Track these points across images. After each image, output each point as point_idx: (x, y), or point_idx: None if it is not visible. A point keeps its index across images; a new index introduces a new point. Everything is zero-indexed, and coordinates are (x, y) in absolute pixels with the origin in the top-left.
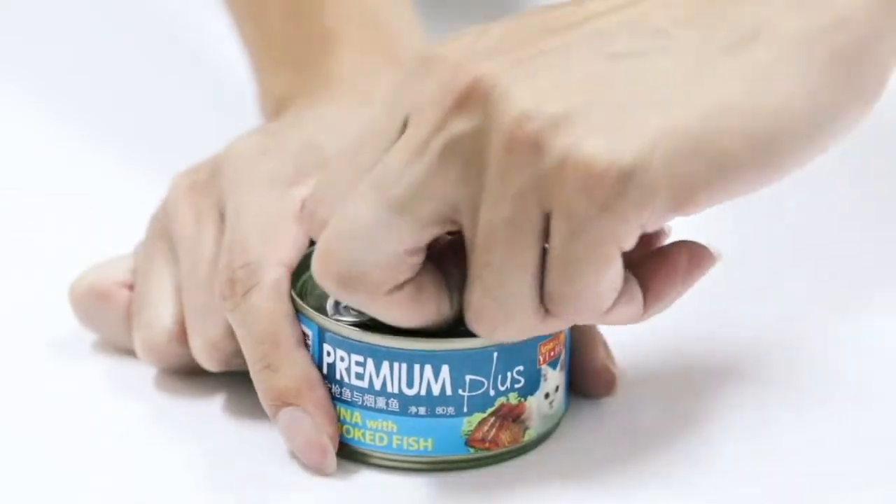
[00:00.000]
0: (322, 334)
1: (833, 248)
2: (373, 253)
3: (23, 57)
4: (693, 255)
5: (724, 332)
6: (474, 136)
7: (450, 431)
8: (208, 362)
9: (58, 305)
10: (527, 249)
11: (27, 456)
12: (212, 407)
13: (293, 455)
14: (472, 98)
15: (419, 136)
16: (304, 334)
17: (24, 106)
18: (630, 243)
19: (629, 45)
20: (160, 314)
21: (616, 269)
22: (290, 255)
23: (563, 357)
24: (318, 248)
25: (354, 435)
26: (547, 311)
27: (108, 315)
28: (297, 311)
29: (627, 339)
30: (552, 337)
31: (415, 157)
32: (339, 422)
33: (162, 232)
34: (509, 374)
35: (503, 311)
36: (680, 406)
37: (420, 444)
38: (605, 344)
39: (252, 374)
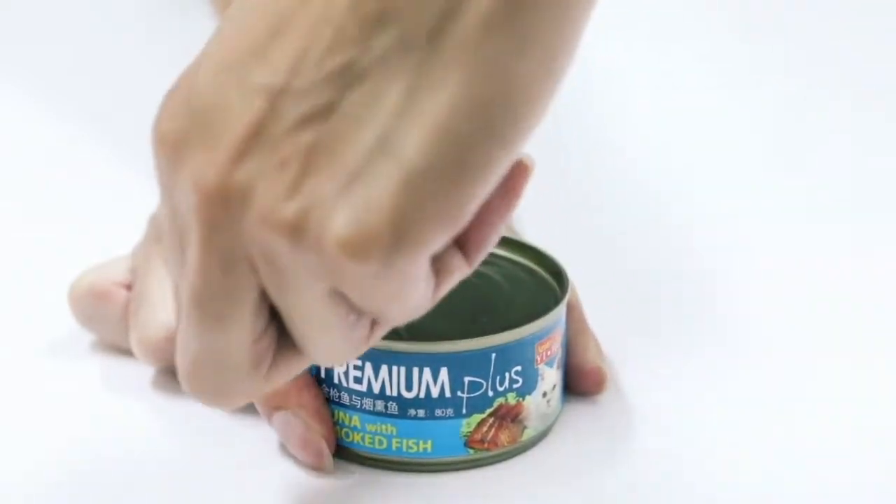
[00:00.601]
0: None
1: (828, 248)
2: (225, 370)
3: (23, 57)
4: (504, 187)
5: (718, 327)
6: (238, 244)
7: (449, 433)
8: None
9: (56, 305)
10: (328, 315)
11: (25, 455)
12: (198, 413)
13: (292, 456)
14: (218, 213)
15: (194, 254)
16: None
17: (24, 106)
18: (425, 270)
19: (314, 102)
20: (157, 313)
21: (423, 284)
22: None
23: (559, 356)
24: (180, 377)
25: (354, 438)
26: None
27: (107, 315)
28: None
29: (622, 336)
30: (549, 336)
31: (201, 282)
32: (338, 426)
33: (159, 234)
34: (507, 374)
35: (338, 354)
36: (675, 402)
37: (420, 447)
38: (596, 343)
39: None
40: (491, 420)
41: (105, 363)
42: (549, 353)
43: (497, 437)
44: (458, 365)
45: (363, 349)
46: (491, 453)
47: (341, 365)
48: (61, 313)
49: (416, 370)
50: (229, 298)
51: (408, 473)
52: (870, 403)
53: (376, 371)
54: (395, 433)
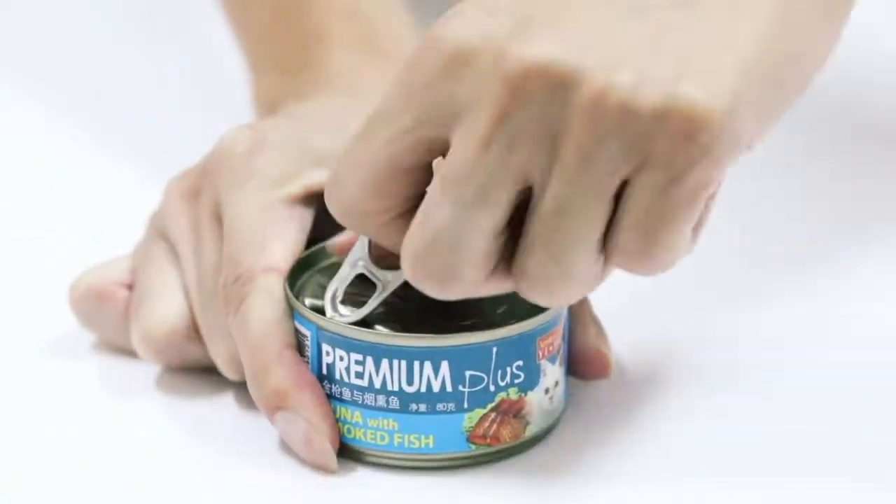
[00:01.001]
0: (320, 334)
1: (828, 243)
2: (463, 252)
3: (23, 57)
4: None
5: (723, 325)
6: (542, 119)
7: (451, 428)
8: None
9: (57, 305)
10: (600, 215)
11: (26, 455)
12: (213, 406)
13: (294, 455)
14: (530, 86)
15: (480, 133)
16: (303, 334)
17: (25, 106)
18: (717, 187)
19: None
20: (160, 308)
21: (691, 226)
22: (279, 258)
23: (562, 352)
24: (407, 256)
25: (355, 434)
26: (606, 263)
27: (108, 314)
28: (295, 312)
29: (626, 333)
30: (551, 331)
31: (481, 153)
32: (340, 422)
33: (160, 233)
34: (508, 369)
35: (565, 276)
36: (679, 399)
37: (421, 442)
38: (596, 323)
39: (249, 384)
40: (493, 415)
41: (106, 363)
42: (550, 348)
43: (499, 433)
44: (459, 358)
45: (585, 292)
46: (493, 449)
47: (554, 301)
48: (62, 313)
49: (416, 364)
50: (496, 181)
51: (410, 469)
52: (874, 398)
53: (377, 365)
54: (396, 428)
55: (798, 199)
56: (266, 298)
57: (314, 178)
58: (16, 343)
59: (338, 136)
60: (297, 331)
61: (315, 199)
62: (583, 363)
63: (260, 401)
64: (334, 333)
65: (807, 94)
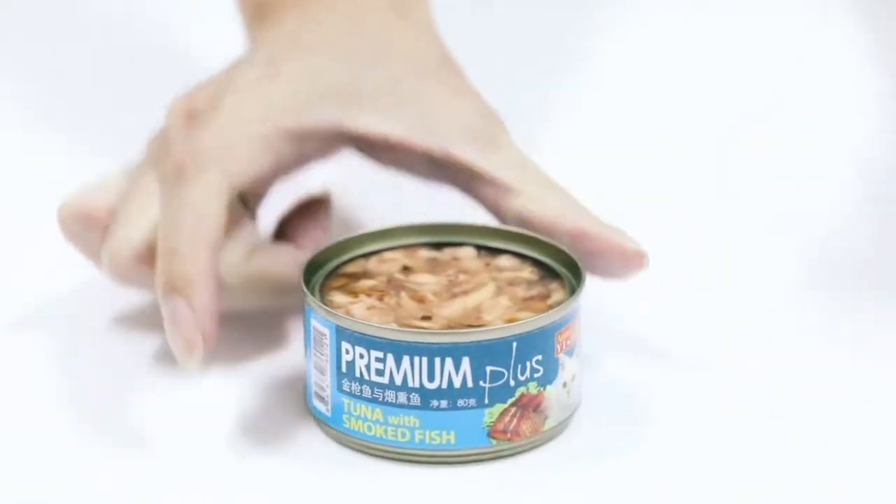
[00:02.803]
0: (339, 332)
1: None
2: None
3: (23, 57)
4: None
5: (734, 317)
6: None
7: (472, 423)
8: (107, 269)
9: (63, 308)
10: None
11: (29, 455)
12: (220, 409)
13: (312, 452)
14: None
15: None
16: (321, 332)
17: (25, 106)
18: None
19: None
20: (131, 232)
21: None
22: (239, 170)
23: (577, 346)
24: None
25: (376, 432)
26: None
27: (92, 239)
28: (312, 311)
29: (638, 326)
30: (569, 325)
31: None
32: (361, 420)
33: (156, 159)
34: (528, 363)
35: None
36: (694, 392)
37: (443, 438)
38: (611, 226)
39: (157, 258)
40: (513, 410)
41: (106, 361)
42: (568, 342)
43: (519, 428)
44: (480, 354)
45: None
46: (513, 444)
47: None
48: (62, 312)
49: (437, 360)
50: None
51: (431, 466)
52: (878, 395)
53: (398, 362)
54: (417, 425)
55: (795, 193)
56: (213, 192)
57: (322, 117)
58: (22, 346)
59: (349, 65)
60: (315, 329)
61: (311, 140)
62: (618, 259)
63: (162, 276)
64: (354, 331)
65: None
